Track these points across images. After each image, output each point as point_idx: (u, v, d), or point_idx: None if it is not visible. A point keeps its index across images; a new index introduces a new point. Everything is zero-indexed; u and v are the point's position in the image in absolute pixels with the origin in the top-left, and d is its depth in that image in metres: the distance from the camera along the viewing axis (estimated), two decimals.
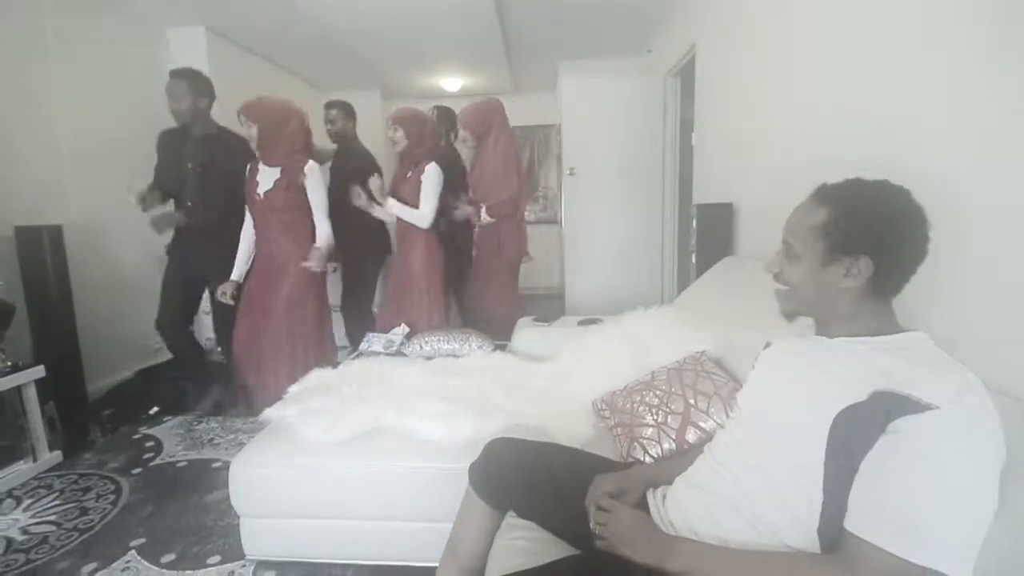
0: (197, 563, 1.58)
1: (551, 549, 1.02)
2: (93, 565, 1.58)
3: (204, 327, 3.09)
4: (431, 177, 2.52)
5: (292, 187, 2.26)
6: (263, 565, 1.54)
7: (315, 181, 2.30)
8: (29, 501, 1.94)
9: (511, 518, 1.12)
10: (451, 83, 5.34)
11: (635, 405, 1.40)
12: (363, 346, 2.37)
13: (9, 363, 2.07)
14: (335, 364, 2.09)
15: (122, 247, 3.09)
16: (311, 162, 2.30)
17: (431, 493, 1.40)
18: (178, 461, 2.22)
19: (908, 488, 0.63)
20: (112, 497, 1.95)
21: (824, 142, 1.61)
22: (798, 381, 0.82)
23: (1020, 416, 0.72)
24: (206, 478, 2.05)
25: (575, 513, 1.00)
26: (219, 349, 2.78)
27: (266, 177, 2.28)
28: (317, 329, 2.45)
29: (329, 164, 3.01)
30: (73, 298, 2.50)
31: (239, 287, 2.41)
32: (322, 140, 2.92)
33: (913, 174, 0.83)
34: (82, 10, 2.95)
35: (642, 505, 0.97)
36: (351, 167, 2.87)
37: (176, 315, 2.56)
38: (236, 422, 2.53)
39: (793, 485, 0.75)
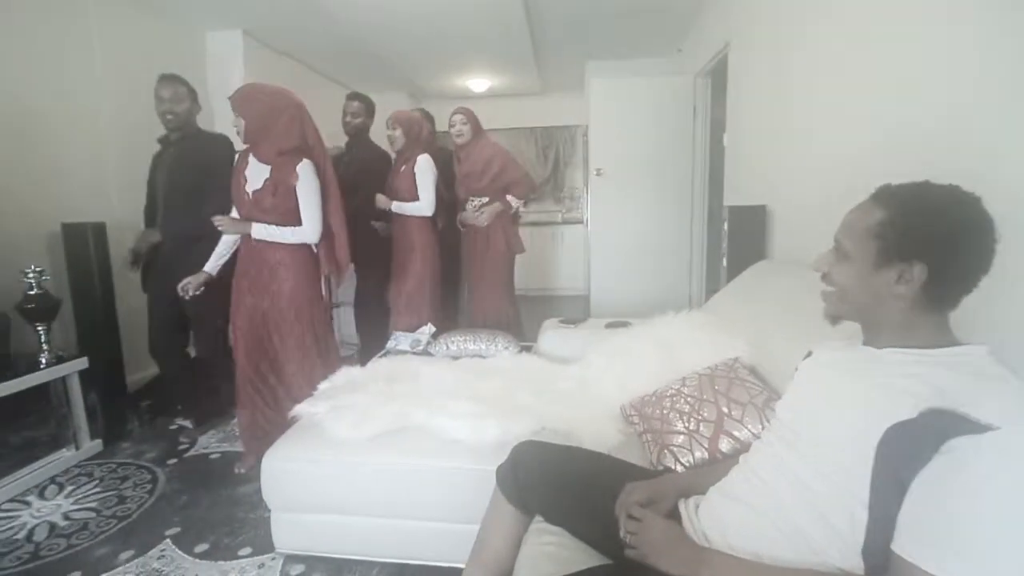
0: (229, 554, 1.61)
1: (580, 556, 1.01)
2: (130, 552, 1.64)
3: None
4: (423, 167, 2.63)
5: (283, 189, 1.91)
6: (292, 559, 1.57)
7: (308, 183, 1.94)
8: (71, 488, 2.02)
9: (539, 523, 1.11)
10: (478, 84, 5.36)
11: (665, 411, 1.38)
12: (390, 344, 2.40)
13: (56, 354, 2.15)
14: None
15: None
16: (305, 161, 1.93)
17: (459, 493, 1.41)
18: (211, 453, 2.28)
19: (967, 513, 0.59)
20: (149, 486, 2.02)
21: (867, 145, 1.56)
22: (843, 393, 0.78)
23: None
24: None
25: (605, 521, 0.98)
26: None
27: (255, 174, 1.95)
28: (323, 335, 2.12)
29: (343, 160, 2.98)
30: (115, 293, 2.59)
31: (207, 282, 2.10)
32: (333, 138, 2.91)
33: (967, 180, 0.79)
34: (126, 13, 3.06)
35: (674, 515, 0.96)
36: (369, 168, 2.88)
37: (170, 337, 2.48)
38: None
39: (836, 501, 0.72)
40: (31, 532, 1.75)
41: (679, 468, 1.22)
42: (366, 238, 2.81)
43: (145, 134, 2.84)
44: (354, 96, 2.97)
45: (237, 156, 2.07)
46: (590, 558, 1.00)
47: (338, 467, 1.46)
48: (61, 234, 2.45)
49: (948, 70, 1.20)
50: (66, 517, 1.84)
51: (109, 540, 1.70)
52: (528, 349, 2.23)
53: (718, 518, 0.88)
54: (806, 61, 1.97)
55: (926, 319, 0.76)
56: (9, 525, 1.79)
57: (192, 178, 2.33)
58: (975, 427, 0.61)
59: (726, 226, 2.40)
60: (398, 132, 2.67)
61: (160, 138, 2.45)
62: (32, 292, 2.08)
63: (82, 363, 2.22)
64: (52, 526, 1.79)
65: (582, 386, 1.74)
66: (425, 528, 1.48)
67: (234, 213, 2.02)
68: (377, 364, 2.06)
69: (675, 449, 1.26)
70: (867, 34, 1.55)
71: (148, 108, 2.36)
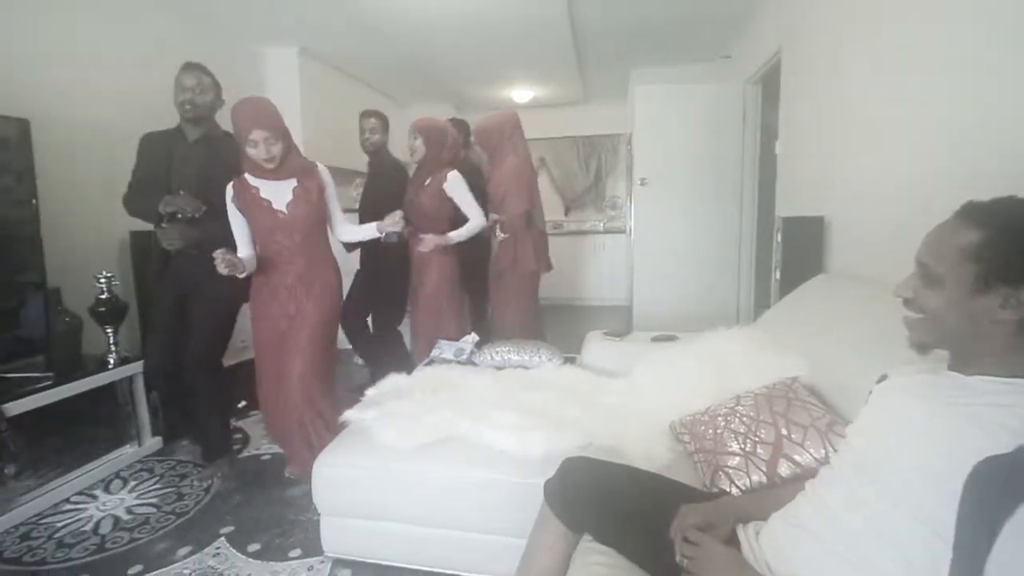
0: (280, 555, 1.66)
1: None
2: (188, 548, 1.71)
3: None
4: (457, 184, 2.51)
5: (314, 195, 1.97)
6: (340, 563, 1.60)
7: (332, 187, 2.07)
8: (134, 483, 2.13)
9: (588, 541, 1.09)
10: (522, 95, 5.40)
11: (718, 431, 1.33)
12: (434, 352, 2.42)
13: (122, 356, 2.28)
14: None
15: None
16: (321, 166, 2.04)
17: (503, 505, 1.40)
18: (263, 454, 2.35)
19: None
20: (206, 484, 2.10)
21: (932, 155, 1.47)
22: (926, 422, 0.73)
23: None
24: None
25: (658, 543, 0.96)
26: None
27: (275, 191, 1.94)
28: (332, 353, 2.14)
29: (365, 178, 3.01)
30: None
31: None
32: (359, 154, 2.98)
33: None
34: (185, 26, 3.22)
35: (732, 541, 0.92)
36: (390, 182, 2.83)
37: (178, 352, 2.17)
38: None
39: (916, 538, 0.67)
40: (97, 525, 1.85)
41: (735, 491, 1.18)
42: (381, 256, 2.72)
43: None
44: (370, 113, 2.88)
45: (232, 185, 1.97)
46: None
47: (386, 474, 1.48)
48: (129, 241, 2.60)
49: (1012, 78, 1.13)
50: (129, 511, 1.93)
51: (168, 536, 1.78)
52: (572, 361, 2.20)
53: (781, 547, 0.84)
54: (868, 66, 1.88)
55: None
56: (78, 517, 1.90)
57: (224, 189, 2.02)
58: None
59: (779, 237, 2.31)
60: (419, 141, 2.52)
61: (171, 130, 2.17)
62: (103, 296, 2.21)
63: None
64: (116, 519, 1.88)
65: (629, 401, 1.70)
66: (471, 539, 1.47)
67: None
68: (422, 372, 2.08)
69: (730, 471, 1.21)
70: (928, 39, 1.47)
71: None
